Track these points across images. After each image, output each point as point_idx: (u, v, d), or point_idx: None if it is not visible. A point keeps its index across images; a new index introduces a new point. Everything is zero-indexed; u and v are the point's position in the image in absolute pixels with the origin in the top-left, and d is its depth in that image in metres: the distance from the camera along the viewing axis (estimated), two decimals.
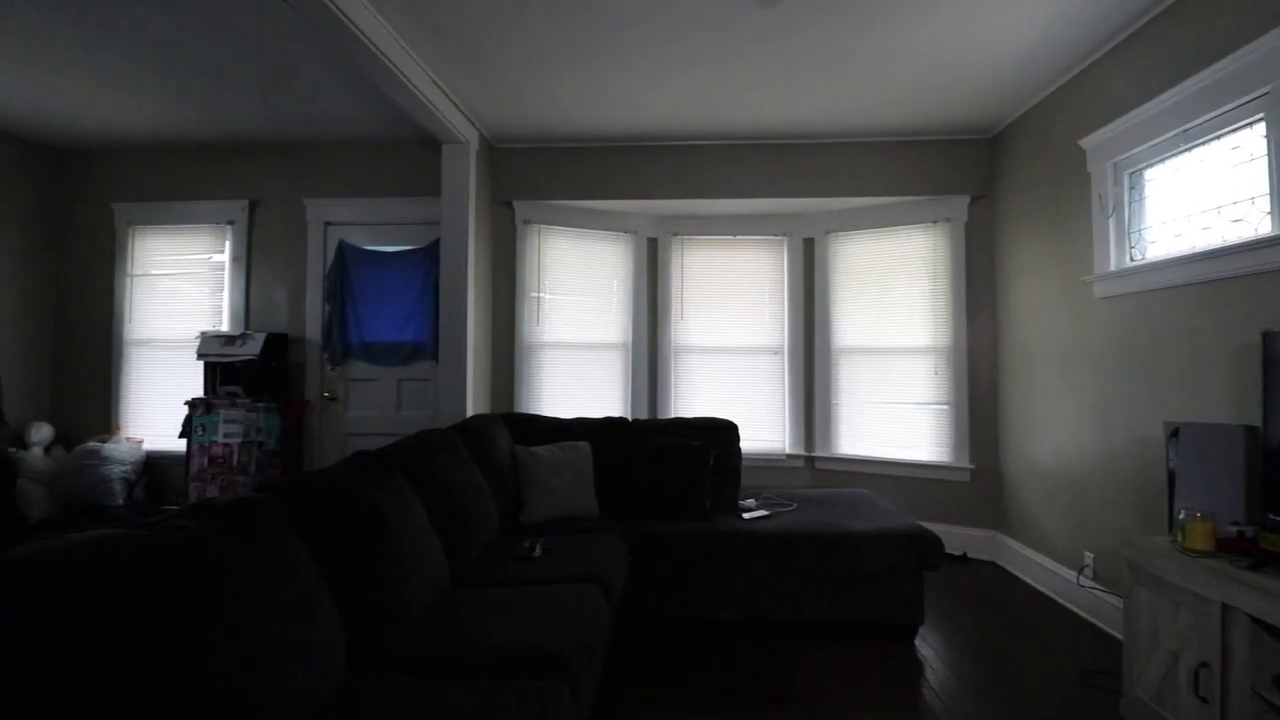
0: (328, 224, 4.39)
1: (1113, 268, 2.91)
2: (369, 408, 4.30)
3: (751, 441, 4.47)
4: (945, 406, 4.10)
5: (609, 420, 3.52)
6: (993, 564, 3.92)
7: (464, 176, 3.76)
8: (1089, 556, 3.05)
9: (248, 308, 4.43)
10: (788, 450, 4.46)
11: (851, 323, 4.38)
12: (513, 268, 4.33)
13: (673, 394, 4.56)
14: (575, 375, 4.42)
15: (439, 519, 2.20)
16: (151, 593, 1.06)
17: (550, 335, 4.38)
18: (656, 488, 3.12)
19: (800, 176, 4.18)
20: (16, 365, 4.30)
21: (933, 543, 2.77)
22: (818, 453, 4.41)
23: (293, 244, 4.42)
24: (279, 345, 4.23)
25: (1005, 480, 3.88)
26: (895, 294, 4.25)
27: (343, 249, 4.33)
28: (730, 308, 4.56)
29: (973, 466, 4.01)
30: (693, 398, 4.55)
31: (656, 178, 4.24)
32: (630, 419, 3.80)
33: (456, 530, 2.27)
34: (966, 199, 4.07)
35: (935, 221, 4.13)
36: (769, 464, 4.46)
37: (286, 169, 4.46)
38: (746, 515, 3.09)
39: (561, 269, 4.42)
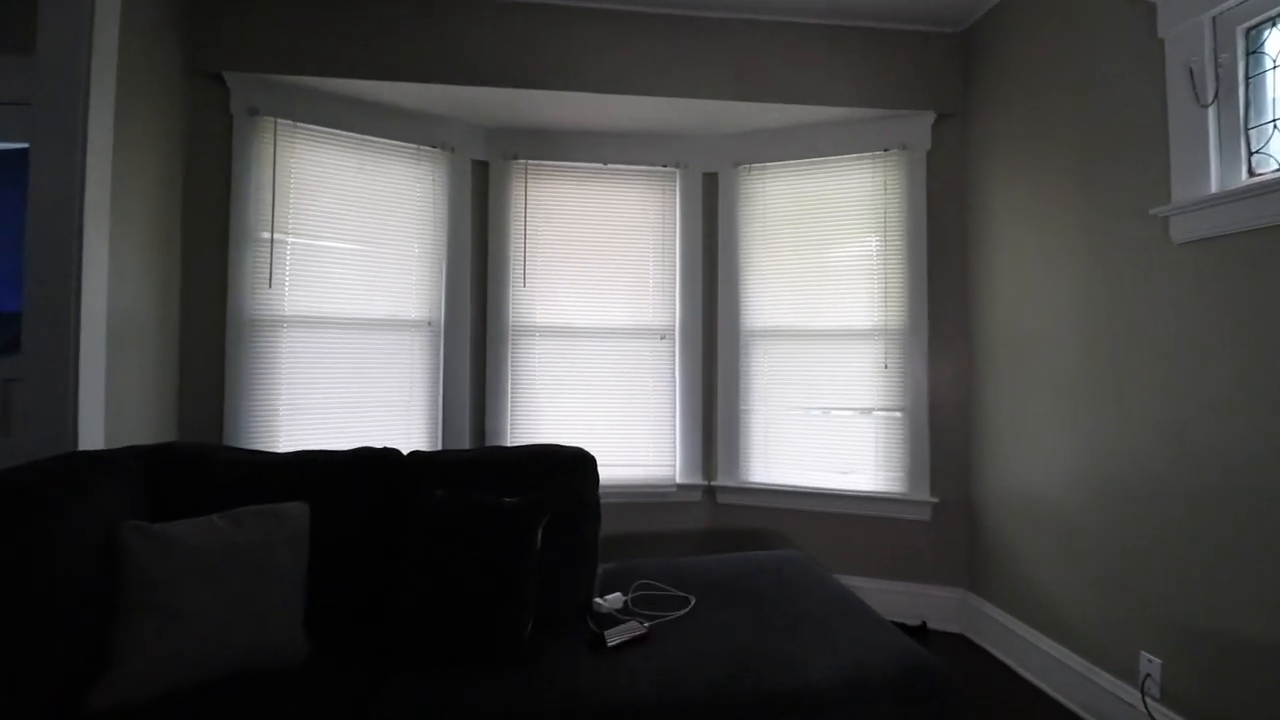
0: None
1: (1215, 189, 1.73)
2: None
3: (629, 468, 3.04)
4: (898, 414, 2.87)
5: (362, 456, 1.91)
6: (963, 639, 2.74)
7: None
8: (1152, 662, 1.89)
9: None
10: (679, 479, 3.05)
11: (769, 295, 3.04)
12: (225, 190, 2.56)
13: (509, 401, 3.01)
14: (346, 373, 2.75)
15: None
16: None
17: (298, 305, 2.67)
18: (432, 595, 1.57)
19: (701, 65, 2.76)
20: None
21: (953, 692, 1.45)
22: (720, 481, 3.05)
23: None
24: None
25: (982, 519, 2.71)
26: (830, 254, 2.96)
27: None
28: (599, 271, 3.09)
29: (935, 500, 2.81)
30: (541, 406, 3.03)
31: (477, 49, 2.65)
32: (422, 450, 2.21)
33: None
34: (931, 117, 2.84)
35: (887, 150, 2.88)
36: (654, 498, 3.04)
37: None
38: (609, 637, 1.63)
39: (321, 196, 2.72)
